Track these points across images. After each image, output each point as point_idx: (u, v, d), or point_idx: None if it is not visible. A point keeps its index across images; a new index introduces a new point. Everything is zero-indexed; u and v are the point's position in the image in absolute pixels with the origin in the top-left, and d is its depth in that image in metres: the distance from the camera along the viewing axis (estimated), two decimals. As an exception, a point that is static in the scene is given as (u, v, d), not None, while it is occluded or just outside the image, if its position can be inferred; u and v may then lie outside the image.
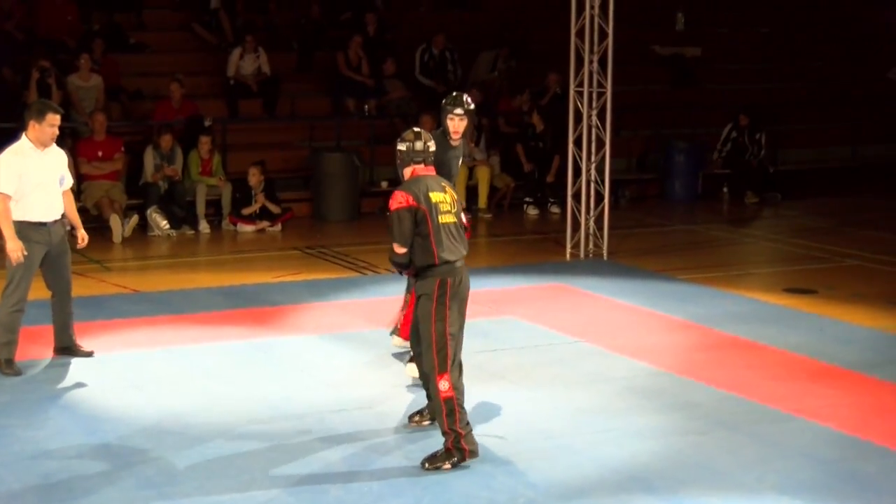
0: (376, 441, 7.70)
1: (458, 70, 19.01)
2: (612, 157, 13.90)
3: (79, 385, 8.85)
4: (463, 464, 7.30)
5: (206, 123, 16.54)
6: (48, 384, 8.88)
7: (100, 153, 15.38)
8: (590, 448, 7.68)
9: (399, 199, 7.38)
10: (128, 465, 7.30)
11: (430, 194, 7.42)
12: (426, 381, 7.51)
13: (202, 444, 7.67)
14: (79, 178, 15.12)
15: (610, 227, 13.95)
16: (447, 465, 7.29)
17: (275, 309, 11.27)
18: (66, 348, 9.55)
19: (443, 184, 7.59)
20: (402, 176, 7.61)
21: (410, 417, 8.08)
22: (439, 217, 7.41)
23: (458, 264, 7.46)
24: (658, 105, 20.02)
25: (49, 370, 9.18)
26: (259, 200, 15.54)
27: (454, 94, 9.01)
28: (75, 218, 9.55)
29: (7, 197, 8.95)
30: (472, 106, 8.90)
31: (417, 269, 7.44)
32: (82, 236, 9.54)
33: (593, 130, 13.84)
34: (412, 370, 8.69)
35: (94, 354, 9.55)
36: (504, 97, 18.89)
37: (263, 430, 7.92)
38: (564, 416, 8.33)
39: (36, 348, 9.57)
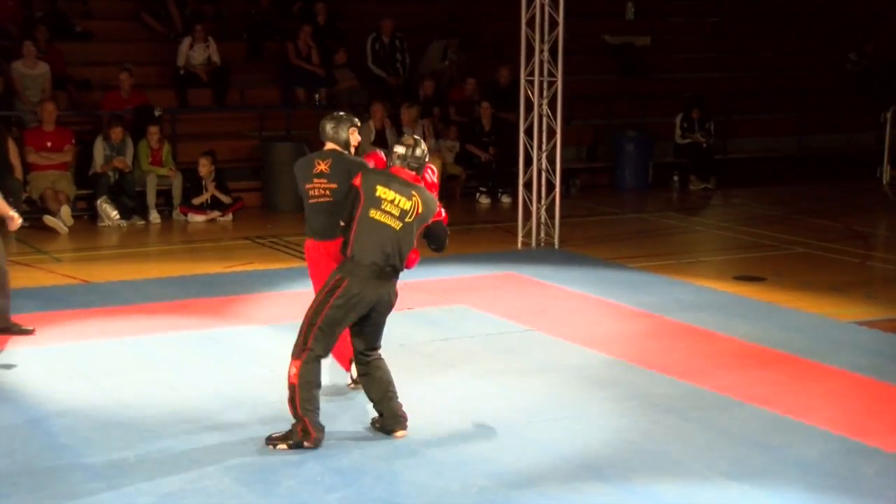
0: (328, 431, 7.67)
1: (408, 59, 18.99)
2: (562, 146, 13.94)
3: (26, 376, 8.77)
4: (306, 447, 7.33)
5: (156, 113, 16.42)
6: (-4, 376, 8.81)
7: (49, 144, 15.21)
8: (541, 436, 7.70)
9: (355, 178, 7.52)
10: (76, 457, 7.24)
11: (380, 187, 7.41)
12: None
13: (153, 435, 7.62)
14: (25, 168, 15.01)
15: (561, 217, 13.99)
16: (283, 446, 7.37)
17: (226, 299, 11.23)
18: (4, 329, 9.61)
19: (412, 191, 7.47)
20: None
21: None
22: (372, 211, 7.38)
23: (366, 274, 7.34)
24: (608, 94, 20.08)
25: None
26: (209, 190, 15.47)
27: (334, 113, 8.54)
28: (2, 207, 9.56)
29: None
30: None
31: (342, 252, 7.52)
32: (13, 217, 9.52)
33: (544, 120, 13.87)
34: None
35: (36, 332, 9.63)
36: (455, 87, 18.91)
37: (215, 421, 7.89)
38: (516, 404, 8.35)
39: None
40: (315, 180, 8.20)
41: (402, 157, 7.58)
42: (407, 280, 11.83)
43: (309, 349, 7.35)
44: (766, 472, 7.19)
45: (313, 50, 18.35)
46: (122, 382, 8.69)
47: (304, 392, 7.33)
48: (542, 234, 14.12)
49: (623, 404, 8.36)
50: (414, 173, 7.58)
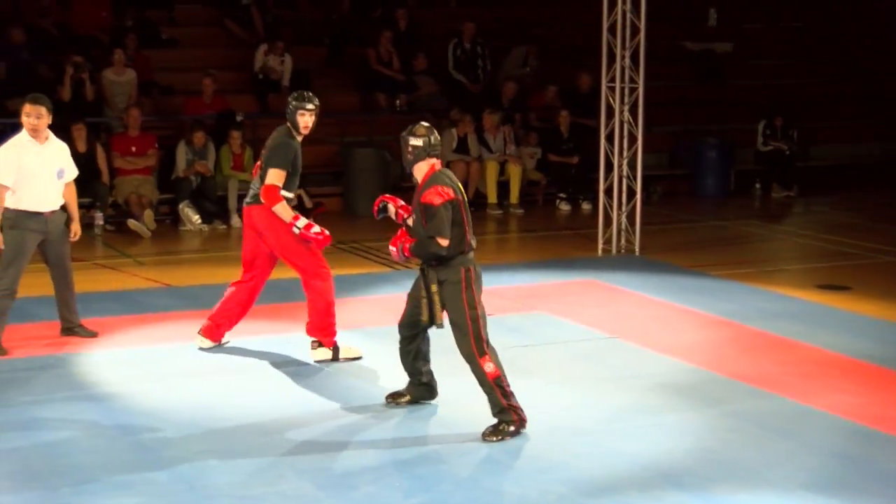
0: (407, 437, 7.70)
1: (489, 65, 19.00)
2: (643, 152, 13.87)
3: (110, 380, 8.89)
4: (522, 431, 7.66)
5: (238, 118, 16.57)
6: (80, 379, 8.93)
7: (133, 148, 15.46)
8: (620, 444, 7.66)
9: (442, 193, 7.60)
10: (160, 459, 7.32)
11: (458, 185, 7.75)
12: (470, 366, 7.72)
13: (233, 438, 7.69)
14: (111, 172, 15.27)
15: (641, 223, 13.92)
16: (511, 428, 7.64)
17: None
18: (69, 329, 9.87)
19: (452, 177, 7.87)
20: (414, 169, 7.81)
21: (388, 397, 8.28)
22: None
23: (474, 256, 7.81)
24: (687, 101, 19.94)
25: (81, 365, 9.22)
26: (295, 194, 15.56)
27: (300, 91, 9.50)
28: (74, 210, 9.80)
29: (4, 188, 9.25)
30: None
31: (442, 257, 7.63)
32: (75, 231, 9.78)
33: (625, 126, 13.81)
34: (321, 354, 9.23)
35: (98, 335, 9.90)
36: (535, 93, 18.89)
37: (294, 426, 7.94)
38: (595, 412, 8.31)
39: (69, 344, 9.63)
40: None
41: (427, 148, 7.77)
42: (487, 286, 11.85)
43: (486, 341, 7.66)
44: (848, 485, 7.08)
45: (394, 55, 18.42)
46: (202, 385, 8.78)
47: (505, 381, 7.65)
48: (623, 241, 14.04)
49: (703, 413, 8.29)
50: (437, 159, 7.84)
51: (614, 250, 13.99)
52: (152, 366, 9.22)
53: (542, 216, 16.86)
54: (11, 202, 9.33)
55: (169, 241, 14.62)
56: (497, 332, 10.20)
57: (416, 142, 7.78)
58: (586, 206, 17.07)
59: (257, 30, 18.73)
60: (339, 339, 9.35)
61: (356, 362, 9.32)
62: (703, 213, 17.23)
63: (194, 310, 10.93)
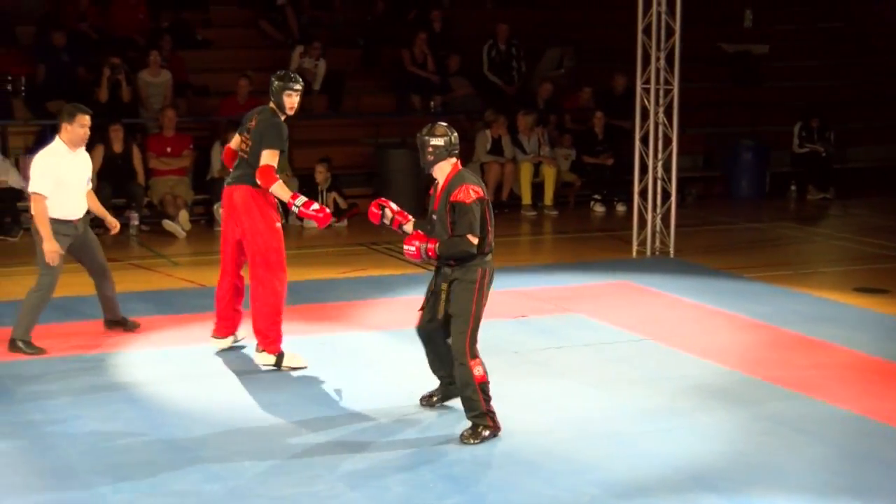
0: (441, 438, 7.70)
1: (523, 66, 18.98)
2: (678, 154, 13.83)
3: (145, 380, 8.93)
4: (494, 437, 7.62)
5: (273, 120, 16.60)
6: (116, 378, 8.98)
7: (168, 149, 15.56)
8: (654, 447, 7.63)
9: (474, 191, 7.58)
10: (194, 458, 7.35)
11: (483, 184, 7.77)
12: (457, 363, 7.69)
13: (266, 438, 7.71)
14: (146, 173, 15.37)
15: (676, 225, 13.87)
16: (487, 433, 7.61)
17: (340, 304, 11.32)
18: (114, 321, 10.05)
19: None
20: (435, 170, 7.80)
21: (422, 399, 8.28)
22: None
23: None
24: (722, 103, 19.86)
25: (118, 364, 9.27)
26: (326, 196, 15.61)
27: (284, 71, 9.38)
28: (102, 211, 10.00)
29: (44, 197, 9.34)
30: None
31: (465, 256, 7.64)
32: (113, 223, 10.01)
33: (660, 128, 13.77)
34: (264, 359, 9.11)
35: (141, 326, 10.15)
36: (570, 94, 18.86)
37: (327, 426, 7.95)
38: (628, 414, 8.29)
39: (105, 344, 9.68)
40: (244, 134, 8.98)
41: (448, 147, 7.76)
42: (521, 288, 11.87)
43: (476, 343, 7.67)
44: (887, 492, 7.01)
45: (429, 57, 18.43)
46: (236, 386, 8.81)
47: (488, 387, 7.65)
48: (657, 243, 14.00)
49: (737, 416, 8.25)
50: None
51: (648, 252, 13.95)
52: (187, 366, 9.25)
53: (577, 218, 16.84)
54: (49, 211, 9.41)
55: (204, 242, 14.67)
56: (531, 334, 10.26)
57: (437, 141, 7.76)
58: (621, 208, 17.06)
59: (292, 31, 18.79)
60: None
61: (396, 363, 9.33)
62: (737, 215, 17.15)
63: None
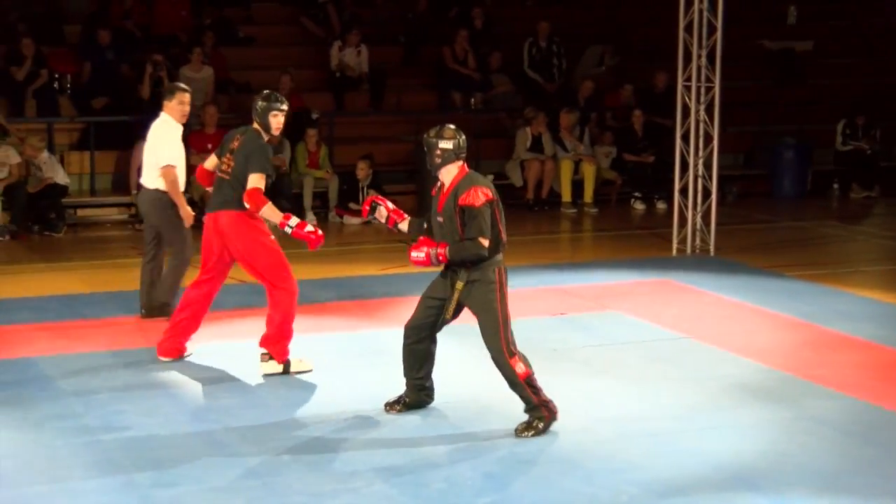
0: (480, 435, 7.70)
1: (564, 64, 18.94)
2: (719, 152, 13.76)
3: (187, 376, 8.99)
4: (553, 426, 7.67)
5: (314, 116, 16.67)
6: (159, 374, 9.03)
7: (210, 146, 15.56)
8: (694, 445, 7.60)
9: (483, 194, 7.60)
10: (233, 454, 7.39)
11: (492, 185, 7.77)
12: (497, 363, 7.70)
13: (306, 435, 7.74)
14: (188, 169, 15.39)
15: (716, 223, 13.81)
16: (541, 425, 7.65)
17: (380, 301, 11.34)
18: (163, 307, 10.29)
19: None
20: (442, 172, 7.78)
21: (387, 405, 8.18)
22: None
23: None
24: (764, 101, 19.74)
25: (161, 361, 9.29)
26: (367, 193, 15.64)
27: (268, 91, 9.10)
28: (182, 201, 10.42)
29: (174, 167, 10.07)
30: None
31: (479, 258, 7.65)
32: (189, 213, 10.42)
33: (701, 126, 13.71)
34: (270, 367, 8.93)
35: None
36: (611, 92, 18.81)
37: (367, 423, 7.97)
38: (668, 412, 8.26)
39: (151, 339, 9.74)
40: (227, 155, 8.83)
41: (456, 150, 7.74)
42: (561, 285, 11.86)
43: (513, 342, 7.67)
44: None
45: (470, 54, 18.43)
46: (276, 382, 8.83)
47: (534, 379, 7.67)
48: (698, 241, 13.95)
49: (779, 415, 8.20)
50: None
51: (689, 250, 13.89)
52: (229, 362, 9.28)
53: (617, 215, 16.80)
54: (160, 183, 10.08)
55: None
56: (571, 331, 10.25)
57: (445, 144, 7.74)
58: (661, 206, 17.00)
59: (333, 28, 18.83)
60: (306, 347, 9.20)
61: (436, 360, 9.32)
62: (779, 213, 17.05)
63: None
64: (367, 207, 8.24)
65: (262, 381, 8.86)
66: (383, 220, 8.19)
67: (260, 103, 8.87)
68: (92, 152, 16.07)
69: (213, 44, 17.38)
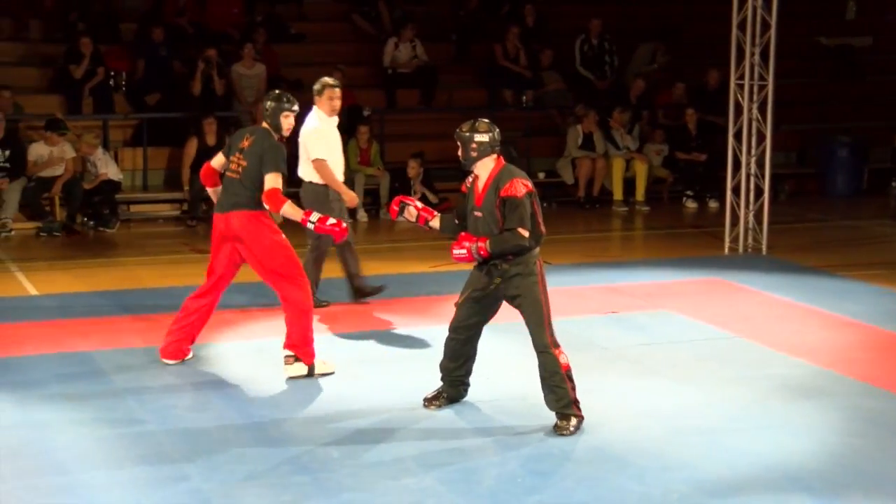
0: (529, 433, 7.69)
1: (616, 61, 18.89)
2: (772, 151, 13.67)
3: (237, 371, 9.05)
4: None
5: (365, 113, 16.72)
6: (210, 369, 9.11)
7: (261, 142, 15.68)
8: (745, 445, 7.56)
9: (524, 185, 7.65)
10: (283, 450, 7.42)
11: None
12: (542, 354, 7.69)
13: (356, 432, 7.76)
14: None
15: (769, 222, 13.72)
16: (575, 421, 7.63)
17: (430, 298, 11.35)
18: (364, 291, 11.07)
19: None
20: (478, 166, 7.83)
21: (426, 401, 8.17)
22: None
23: None
24: (819, 99, 19.57)
25: (210, 356, 9.39)
26: (418, 191, 15.67)
27: (278, 92, 9.08)
28: (343, 188, 10.86)
29: (325, 161, 10.50)
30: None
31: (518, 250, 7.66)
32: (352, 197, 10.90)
33: (753, 124, 13.63)
34: (296, 370, 8.81)
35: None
36: (663, 90, 18.73)
37: (416, 420, 7.98)
38: (719, 411, 8.22)
39: (200, 336, 9.80)
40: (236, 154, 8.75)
41: (492, 143, 7.79)
42: (612, 284, 11.84)
43: (555, 335, 7.69)
44: None
45: (521, 51, 18.42)
46: (326, 378, 8.86)
47: (572, 374, 7.67)
48: (750, 240, 13.86)
49: (830, 416, 8.14)
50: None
51: (741, 249, 13.81)
52: (275, 357, 9.32)
53: (669, 214, 16.73)
54: (314, 176, 10.55)
55: (295, 235, 14.72)
56: (622, 330, 10.22)
57: (481, 138, 7.76)
58: (713, 205, 16.91)
59: (384, 25, 18.89)
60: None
61: (485, 357, 9.32)
62: (833, 212, 16.91)
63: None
64: (396, 208, 8.21)
65: (306, 378, 8.87)
66: (413, 220, 8.19)
67: (270, 104, 8.85)
68: (145, 148, 16.22)
69: (264, 41, 17.49)
